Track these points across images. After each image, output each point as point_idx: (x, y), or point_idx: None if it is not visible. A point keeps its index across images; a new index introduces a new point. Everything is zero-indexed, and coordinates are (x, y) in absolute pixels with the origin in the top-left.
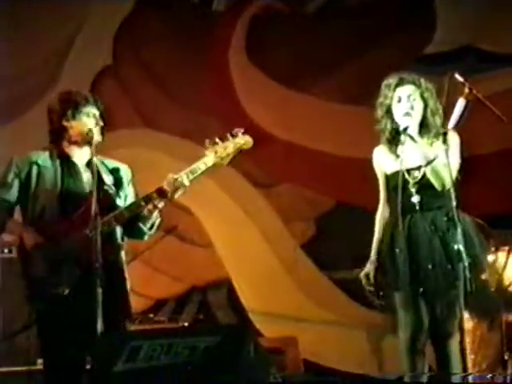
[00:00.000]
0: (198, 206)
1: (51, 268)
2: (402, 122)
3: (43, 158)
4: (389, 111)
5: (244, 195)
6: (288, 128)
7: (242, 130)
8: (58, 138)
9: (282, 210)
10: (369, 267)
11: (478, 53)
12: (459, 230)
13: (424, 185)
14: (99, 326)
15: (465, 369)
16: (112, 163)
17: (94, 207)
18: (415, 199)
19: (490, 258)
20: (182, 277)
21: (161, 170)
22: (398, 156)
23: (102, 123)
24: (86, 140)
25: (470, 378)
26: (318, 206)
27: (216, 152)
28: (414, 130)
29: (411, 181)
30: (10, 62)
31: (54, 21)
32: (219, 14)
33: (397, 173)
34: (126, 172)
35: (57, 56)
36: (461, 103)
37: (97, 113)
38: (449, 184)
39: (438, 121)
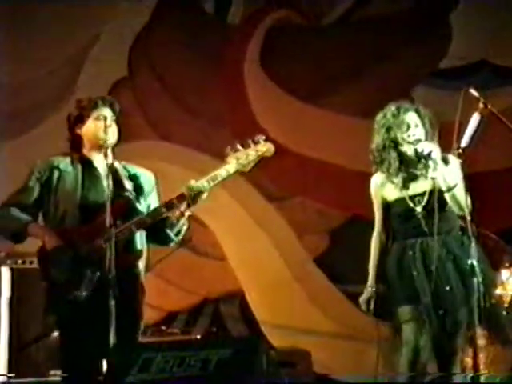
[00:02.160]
0: (212, 219)
1: (70, 272)
2: (421, 148)
3: (64, 162)
4: (394, 140)
5: (257, 208)
6: (302, 141)
7: (264, 137)
8: (76, 145)
9: (294, 223)
10: (368, 293)
11: (492, 68)
12: (473, 245)
13: (430, 210)
14: (112, 337)
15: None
16: (135, 169)
17: (108, 218)
18: (423, 224)
19: (505, 273)
20: (195, 289)
21: (174, 181)
22: (402, 185)
23: (113, 126)
24: (98, 144)
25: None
26: (330, 220)
27: (238, 159)
28: (438, 155)
29: (417, 208)
30: (22, 73)
31: (69, 31)
32: (234, 26)
33: (401, 199)
34: (148, 179)
35: (72, 67)
36: (475, 118)
37: (109, 114)
38: (466, 206)
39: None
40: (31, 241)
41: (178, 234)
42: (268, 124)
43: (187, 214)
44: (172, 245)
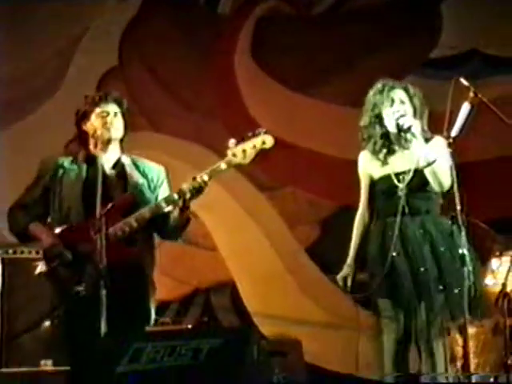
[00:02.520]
0: (203, 209)
1: (71, 269)
2: (402, 122)
3: (69, 160)
4: (379, 116)
5: (248, 198)
6: (293, 131)
7: (264, 130)
8: (83, 141)
9: (285, 213)
10: (346, 270)
11: (483, 57)
12: (463, 234)
13: (412, 188)
14: (103, 327)
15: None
16: (144, 163)
17: (98, 209)
18: (403, 203)
19: (495, 262)
20: (186, 279)
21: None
22: (385, 161)
23: (115, 121)
24: (101, 140)
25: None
26: (321, 210)
27: (237, 151)
28: (417, 129)
29: (400, 185)
30: (13, 63)
31: (59, 22)
32: (225, 16)
33: (386, 177)
34: (157, 173)
35: (62, 57)
36: (465, 107)
37: (112, 110)
38: (447, 186)
39: (425, 127)
40: None
41: (181, 229)
42: (259, 115)
43: (186, 209)
44: (179, 240)
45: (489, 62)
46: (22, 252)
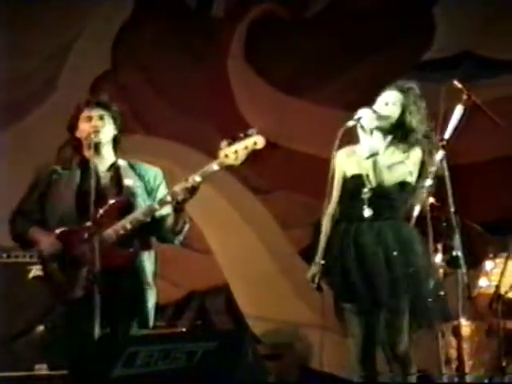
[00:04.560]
0: (197, 212)
1: (67, 273)
2: (358, 112)
3: (63, 166)
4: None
5: (242, 201)
6: (286, 134)
7: (256, 130)
8: (77, 147)
9: (279, 215)
10: (314, 269)
11: (476, 59)
12: (457, 236)
13: (378, 194)
14: (96, 331)
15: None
16: (141, 166)
17: (91, 211)
18: (365, 207)
19: (489, 264)
20: (181, 282)
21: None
22: (359, 160)
23: (101, 122)
24: (91, 144)
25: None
26: (315, 212)
27: (229, 153)
28: (368, 123)
29: (366, 188)
30: (6, 65)
31: (52, 25)
32: (218, 20)
33: (357, 176)
34: (154, 176)
35: (55, 61)
36: (459, 110)
37: (94, 113)
38: (385, 184)
39: (417, 134)
40: None
41: (178, 232)
42: (253, 118)
43: (181, 211)
44: (176, 242)
45: (482, 63)
46: (17, 256)
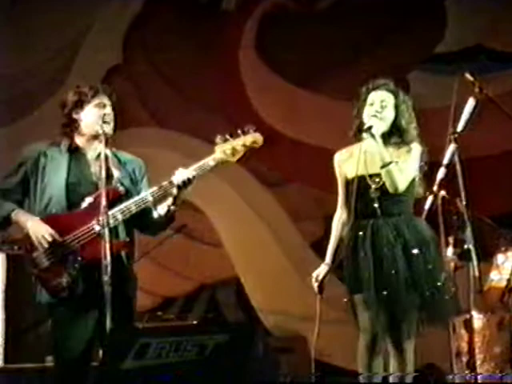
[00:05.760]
0: (208, 205)
1: (53, 259)
2: (368, 121)
3: (52, 149)
4: (359, 112)
5: (253, 194)
6: (297, 127)
7: (254, 128)
8: (69, 131)
9: (290, 208)
10: (320, 270)
11: (488, 52)
12: (469, 230)
13: (385, 190)
14: (108, 324)
15: (473, 368)
16: (125, 156)
17: (103, 203)
18: (376, 204)
19: (500, 258)
20: (192, 275)
21: (170, 167)
22: (359, 160)
23: (111, 114)
24: (94, 132)
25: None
26: (326, 205)
27: (226, 149)
28: (378, 131)
29: (373, 186)
30: (17, 59)
31: (64, 17)
32: (229, 12)
33: (360, 177)
34: (139, 166)
35: (66, 54)
36: (471, 103)
37: (108, 103)
38: (400, 190)
39: (410, 132)
40: None
41: (164, 225)
42: (264, 110)
43: (173, 205)
44: (157, 234)
45: (494, 57)
46: None
